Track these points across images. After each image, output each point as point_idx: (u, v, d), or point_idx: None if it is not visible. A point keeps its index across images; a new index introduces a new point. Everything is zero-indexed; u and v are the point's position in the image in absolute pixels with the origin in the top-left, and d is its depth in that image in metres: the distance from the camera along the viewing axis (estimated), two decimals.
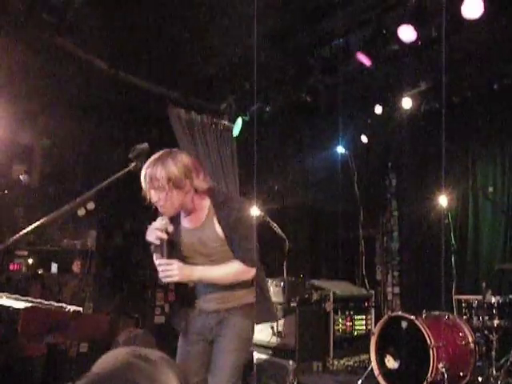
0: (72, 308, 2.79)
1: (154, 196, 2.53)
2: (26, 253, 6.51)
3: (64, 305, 2.89)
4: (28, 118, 5.67)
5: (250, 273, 2.69)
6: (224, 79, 5.79)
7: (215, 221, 2.69)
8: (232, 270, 2.67)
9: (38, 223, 1.95)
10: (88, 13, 4.67)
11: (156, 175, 2.48)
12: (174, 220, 2.73)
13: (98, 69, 5.53)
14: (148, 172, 2.50)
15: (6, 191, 2.87)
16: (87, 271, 6.82)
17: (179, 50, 5.39)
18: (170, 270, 2.55)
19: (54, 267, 6.87)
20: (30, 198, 6.01)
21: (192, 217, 2.74)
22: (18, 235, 1.93)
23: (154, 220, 2.61)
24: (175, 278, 2.55)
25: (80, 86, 5.69)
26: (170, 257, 2.59)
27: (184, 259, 2.70)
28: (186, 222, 2.78)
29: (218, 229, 2.68)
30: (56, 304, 2.91)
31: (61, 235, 6.74)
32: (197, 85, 5.90)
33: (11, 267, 6.23)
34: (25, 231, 1.88)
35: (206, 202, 2.71)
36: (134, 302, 7.29)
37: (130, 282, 7.31)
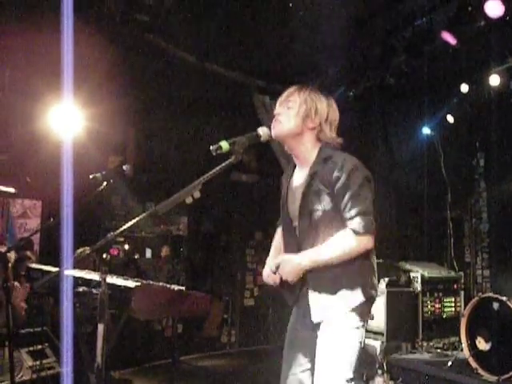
0: (176, 287, 2.96)
1: (277, 107, 2.45)
2: (122, 239, 6.94)
3: (167, 284, 3.08)
4: (122, 112, 6.00)
5: (363, 242, 2.27)
6: (308, 64, 5.86)
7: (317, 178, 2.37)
8: (343, 242, 2.26)
9: (148, 212, 2.03)
10: (175, 9, 4.90)
11: (298, 93, 2.42)
12: (287, 176, 2.57)
13: (186, 62, 5.76)
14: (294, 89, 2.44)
15: (111, 181, 3.09)
16: (180, 256, 7.15)
17: (262, 38, 5.51)
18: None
19: (149, 252, 7.28)
20: (125, 187, 6.40)
21: (300, 169, 2.50)
22: (128, 224, 2.00)
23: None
24: (289, 278, 2.31)
25: (169, 79, 5.97)
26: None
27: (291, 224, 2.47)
28: (295, 178, 2.52)
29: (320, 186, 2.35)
30: (160, 284, 3.11)
31: (154, 222, 7.10)
32: (281, 71, 6.00)
33: (110, 252, 6.66)
34: (137, 219, 1.98)
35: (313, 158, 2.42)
36: (223, 285, 7.56)
37: (220, 265, 7.57)
